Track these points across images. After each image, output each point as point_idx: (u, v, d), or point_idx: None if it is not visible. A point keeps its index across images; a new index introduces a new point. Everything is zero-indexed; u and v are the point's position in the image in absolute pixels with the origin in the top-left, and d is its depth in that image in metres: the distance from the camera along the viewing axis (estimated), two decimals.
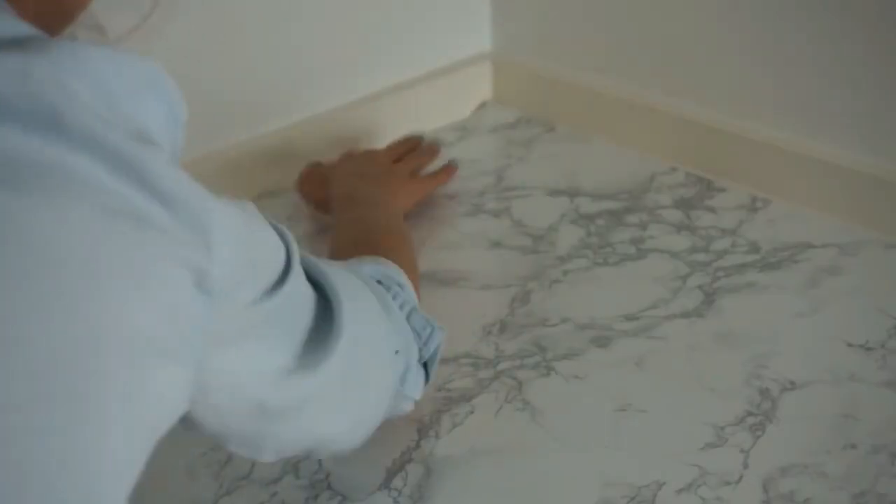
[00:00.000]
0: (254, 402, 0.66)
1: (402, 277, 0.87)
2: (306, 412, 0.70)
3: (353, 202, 1.06)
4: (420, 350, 0.85)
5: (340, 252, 0.93)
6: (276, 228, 0.66)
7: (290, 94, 1.24)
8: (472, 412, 0.91)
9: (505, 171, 1.27)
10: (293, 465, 0.86)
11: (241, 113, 1.20)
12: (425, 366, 0.86)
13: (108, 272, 0.51)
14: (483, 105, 1.41)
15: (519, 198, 1.22)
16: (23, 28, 0.53)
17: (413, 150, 1.21)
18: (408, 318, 0.84)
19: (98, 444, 0.51)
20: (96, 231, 0.50)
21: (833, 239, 1.10)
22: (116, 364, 0.51)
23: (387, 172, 1.14)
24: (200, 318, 0.55)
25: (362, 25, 1.28)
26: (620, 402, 0.91)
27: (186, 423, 0.63)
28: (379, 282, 0.85)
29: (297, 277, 0.66)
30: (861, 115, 1.11)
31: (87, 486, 0.51)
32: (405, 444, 0.88)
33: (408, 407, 0.86)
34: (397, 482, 0.84)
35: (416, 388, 0.85)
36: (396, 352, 0.81)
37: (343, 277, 0.75)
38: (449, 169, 1.21)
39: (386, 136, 1.31)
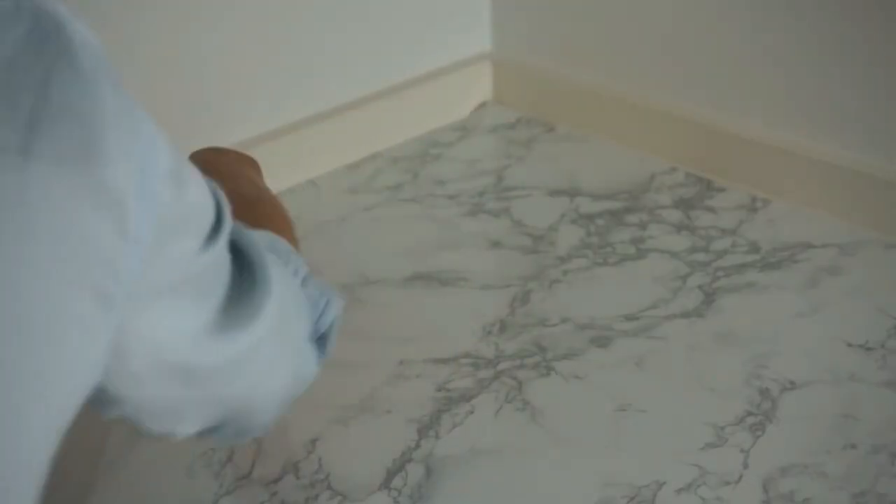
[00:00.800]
0: (178, 366, 0.61)
1: (288, 245, 0.81)
2: (231, 376, 0.65)
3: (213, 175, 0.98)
4: (316, 322, 0.78)
5: None
6: (204, 179, 0.60)
7: (290, 93, 1.24)
8: (472, 412, 0.91)
9: (505, 171, 1.27)
10: (293, 465, 0.86)
11: (241, 112, 1.20)
12: (320, 340, 0.80)
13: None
14: (483, 105, 1.41)
15: (519, 198, 1.22)
16: None
17: None
18: (303, 284, 0.78)
19: (16, 414, 0.47)
20: None
21: (833, 239, 1.11)
22: (24, 329, 0.46)
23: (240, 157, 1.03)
24: (126, 272, 0.50)
25: (363, 25, 1.28)
26: (620, 402, 0.91)
27: (101, 400, 0.58)
28: (270, 249, 0.78)
29: (225, 239, 0.61)
30: (861, 115, 1.11)
31: (5, 454, 0.47)
32: (405, 444, 0.88)
33: (301, 389, 0.79)
34: (397, 482, 0.84)
35: (311, 366, 0.79)
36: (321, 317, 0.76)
37: (256, 238, 0.69)
38: None
39: (386, 135, 1.31)
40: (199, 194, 0.57)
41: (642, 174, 1.24)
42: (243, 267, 0.65)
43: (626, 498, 0.82)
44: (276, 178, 1.22)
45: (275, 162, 1.22)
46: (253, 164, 1.02)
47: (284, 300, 0.69)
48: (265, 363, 0.69)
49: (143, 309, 0.55)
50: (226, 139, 1.19)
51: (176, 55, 1.11)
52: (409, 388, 0.94)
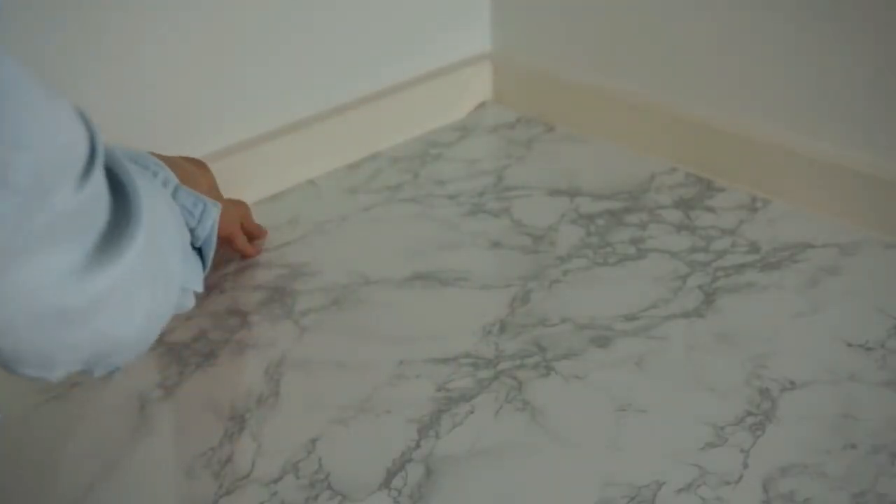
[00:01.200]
0: (53, 310, 0.59)
1: (157, 159, 0.79)
2: (106, 310, 0.63)
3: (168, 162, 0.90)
4: (194, 231, 0.77)
5: None
6: (75, 109, 0.58)
7: (290, 93, 1.24)
8: (472, 412, 0.91)
9: (505, 171, 1.27)
10: (293, 465, 0.86)
11: (240, 112, 1.20)
12: (199, 251, 0.79)
13: None
14: (483, 105, 1.41)
15: (519, 198, 1.22)
16: None
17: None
18: (173, 195, 0.77)
19: None
20: None
21: (833, 239, 1.11)
22: None
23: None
24: (2, 223, 0.49)
25: (362, 26, 1.28)
26: (620, 402, 0.91)
27: None
28: (134, 161, 0.76)
29: (100, 169, 0.59)
30: (861, 115, 1.11)
31: None
32: (405, 444, 0.88)
33: (189, 303, 0.79)
34: (397, 482, 0.84)
35: (194, 277, 0.77)
36: (191, 229, 0.74)
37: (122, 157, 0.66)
38: (256, 247, 1.12)
39: (386, 135, 1.31)
40: (72, 129, 0.56)
41: (642, 174, 1.24)
42: (115, 191, 0.63)
43: (626, 498, 0.82)
44: (276, 178, 1.23)
45: (275, 162, 1.22)
46: (200, 165, 1.02)
47: (155, 218, 0.67)
48: (139, 290, 0.66)
49: (19, 257, 0.54)
50: (225, 139, 1.20)
51: (173, 54, 1.11)
52: (409, 388, 0.94)
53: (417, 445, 0.88)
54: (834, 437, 0.86)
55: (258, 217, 1.15)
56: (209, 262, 0.81)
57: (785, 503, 0.81)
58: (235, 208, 1.08)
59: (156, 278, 0.68)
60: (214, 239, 0.80)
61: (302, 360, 0.98)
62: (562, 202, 1.20)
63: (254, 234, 1.12)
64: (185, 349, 0.98)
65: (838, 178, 1.13)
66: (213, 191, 1.00)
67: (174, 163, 0.91)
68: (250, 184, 1.19)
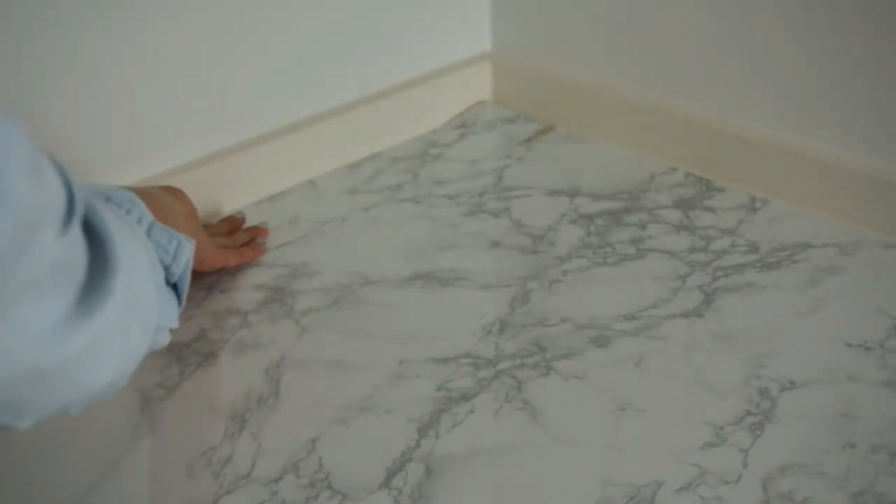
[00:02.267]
0: (26, 369, 0.58)
1: (130, 195, 0.79)
2: (82, 363, 0.62)
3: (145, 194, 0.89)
4: (169, 268, 0.77)
5: None
6: (52, 161, 0.57)
7: (289, 93, 1.24)
8: (472, 412, 0.91)
9: (504, 171, 1.27)
10: (293, 465, 0.86)
11: (240, 113, 1.20)
12: (175, 287, 0.79)
13: None
14: (482, 105, 1.41)
15: (519, 198, 1.22)
16: None
17: (234, 230, 1.13)
18: (147, 232, 0.77)
19: None
20: None
21: (833, 239, 1.11)
22: None
23: (196, 221, 1.01)
24: None
25: (362, 25, 1.28)
26: (620, 402, 0.91)
27: None
28: (108, 199, 0.77)
29: (78, 224, 0.58)
30: (861, 115, 1.11)
31: None
32: (405, 444, 0.88)
33: (164, 340, 0.78)
34: (397, 482, 0.84)
35: (169, 314, 0.77)
36: (169, 264, 0.74)
37: (99, 207, 0.65)
38: (258, 248, 1.12)
39: (386, 135, 1.31)
40: (52, 181, 0.55)
41: (642, 174, 1.24)
42: (92, 244, 0.62)
43: (625, 497, 0.82)
44: (276, 179, 1.23)
45: (275, 162, 1.22)
46: (177, 194, 1.01)
47: (131, 264, 0.66)
48: (113, 339, 0.65)
49: (2, 312, 0.53)
50: (225, 140, 1.20)
51: (175, 57, 1.11)
52: (409, 388, 0.94)
53: (417, 445, 0.88)
54: (833, 437, 0.87)
55: (258, 217, 1.15)
56: (184, 298, 0.81)
57: (784, 503, 0.81)
58: (208, 238, 1.04)
59: (129, 325, 0.68)
60: (189, 274, 0.80)
61: (302, 359, 0.98)
62: (562, 202, 1.20)
63: (252, 236, 1.12)
64: (185, 349, 0.98)
65: (838, 178, 1.13)
66: (191, 219, 0.99)
67: (150, 195, 0.90)
68: (250, 184, 1.20)
